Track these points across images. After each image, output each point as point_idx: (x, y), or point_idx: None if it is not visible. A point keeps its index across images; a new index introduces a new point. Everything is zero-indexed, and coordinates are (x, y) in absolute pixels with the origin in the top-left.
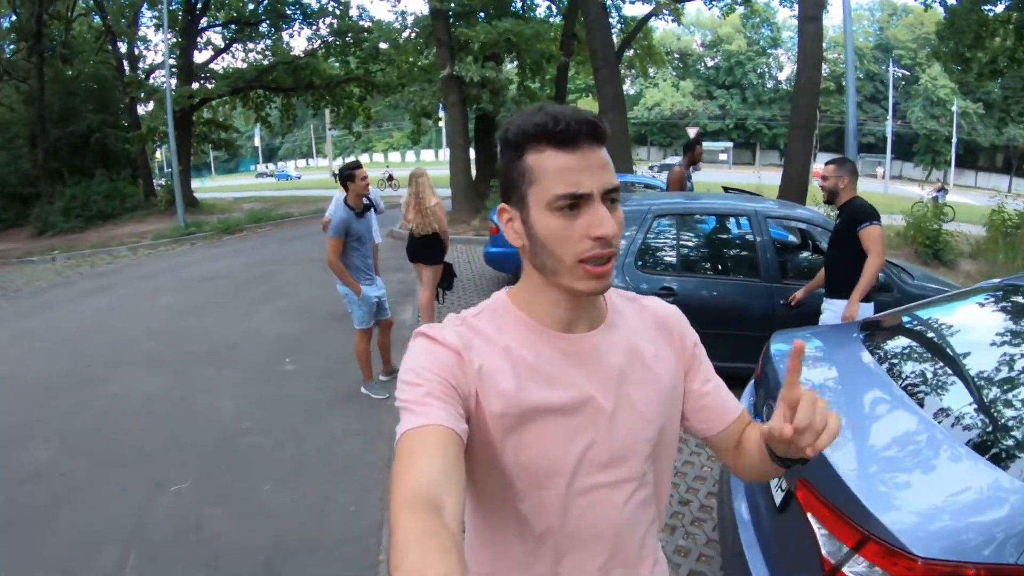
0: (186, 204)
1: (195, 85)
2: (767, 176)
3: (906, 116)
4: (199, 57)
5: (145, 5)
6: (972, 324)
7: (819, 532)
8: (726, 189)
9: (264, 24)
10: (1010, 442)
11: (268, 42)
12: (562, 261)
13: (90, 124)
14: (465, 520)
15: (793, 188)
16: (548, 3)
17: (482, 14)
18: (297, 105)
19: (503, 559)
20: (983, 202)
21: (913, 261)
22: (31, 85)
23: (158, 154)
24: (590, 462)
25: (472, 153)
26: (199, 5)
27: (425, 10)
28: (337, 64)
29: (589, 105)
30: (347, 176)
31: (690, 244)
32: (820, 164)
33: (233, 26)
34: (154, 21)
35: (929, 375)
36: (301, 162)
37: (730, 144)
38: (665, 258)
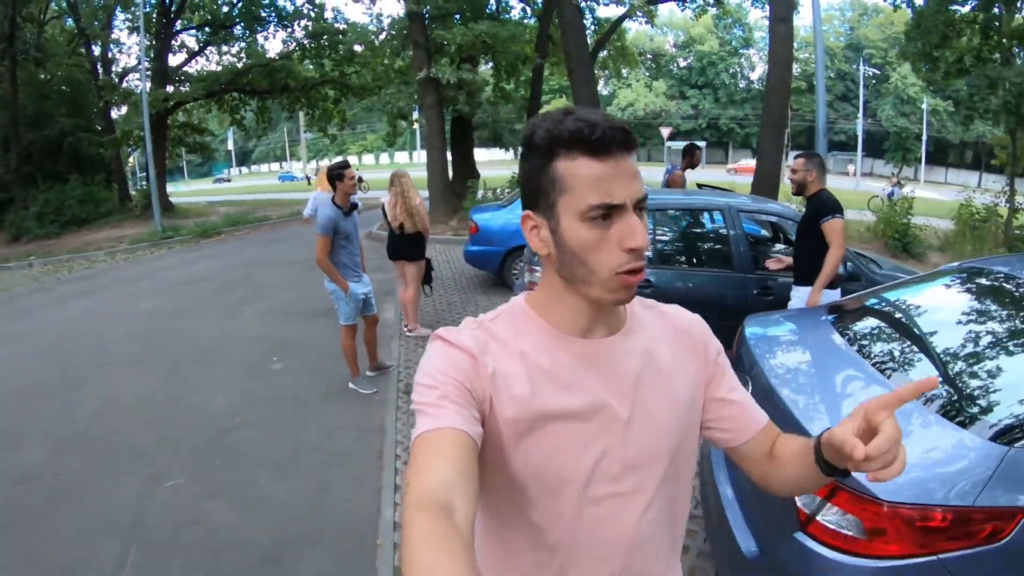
0: (162, 208)
1: (170, 88)
2: (741, 176)
3: (877, 114)
4: (173, 60)
5: (119, 8)
6: (934, 304)
7: None
8: (700, 186)
9: (238, 27)
10: (970, 406)
11: (243, 44)
12: (595, 272)
13: (63, 128)
14: (475, 526)
15: (765, 185)
16: (522, 5)
17: (458, 16)
18: (272, 108)
19: (513, 568)
20: (952, 197)
21: (883, 254)
22: (3, 89)
23: (131, 159)
24: (604, 471)
25: (448, 154)
26: (173, 8)
27: (401, 12)
28: (312, 66)
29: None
30: (336, 176)
31: (667, 238)
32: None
33: (207, 29)
34: (127, 24)
35: (894, 350)
36: (275, 165)
37: (703, 143)
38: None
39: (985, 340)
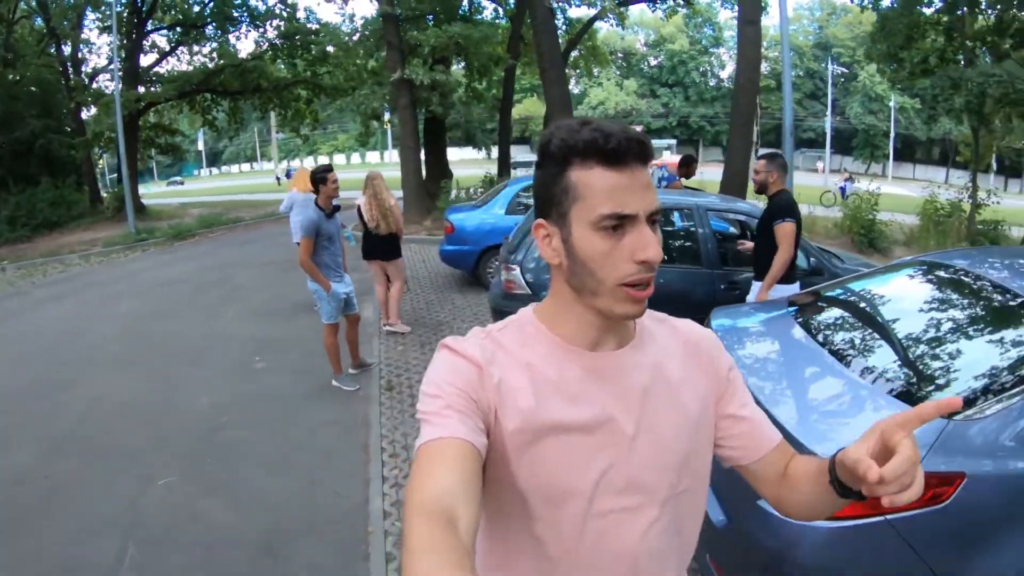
0: (134, 210)
1: (141, 89)
2: (710, 172)
3: (845, 112)
4: (144, 61)
5: (89, 8)
6: (888, 295)
7: None
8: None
9: (210, 27)
10: (915, 384)
11: (214, 45)
12: (603, 283)
13: (34, 130)
14: (477, 540)
15: (735, 184)
16: (494, 6)
17: (430, 18)
18: (244, 108)
19: None
20: (918, 193)
21: (850, 249)
22: None
23: (100, 160)
24: (608, 485)
25: (422, 154)
26: (145, 8)
27: (373, 12)
28: (284, 67)
29: (535, 106)
30: (319, 179)
31: None
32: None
33: (179, 29)
34: (97, 24)
35: (850, 338)
36: (246, 166)
37: (673, 141)
38: None
39: (933, 327)
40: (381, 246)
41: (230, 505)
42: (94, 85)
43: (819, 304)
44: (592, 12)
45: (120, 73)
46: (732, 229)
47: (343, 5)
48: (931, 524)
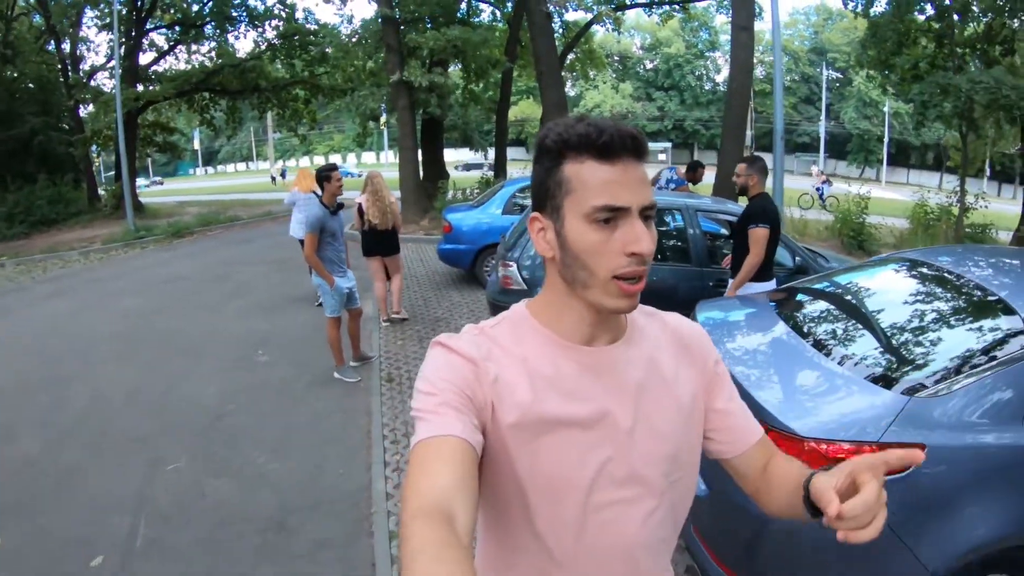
0: (133, 208)
1: (140, 87)
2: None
3: (840, 117)
4: (142, 59)
5: (88, 6)
6: (861, 288)
7: None
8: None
9: (209, 26)
10: (882, 366)
11: (213, 44)
12: (595, 275)
13: (32, 127)
14: (476, 538)
15: (727, 186)
16: (492, 9)
17: (429, 21)
18: (242, 108)
19: None
20: (910, 198)
21: (839, 251)
22: None
23: (97, 158)
24: (607, 477)
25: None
26: (145, 6)
27: (372, 13)
28: (282, 67)
29: (532, 108)
30: (324, 177)
31: None
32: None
33: (178, 28)
34: (96, 22)
35: (825, 327)
36: (241, 165)
37: (669, 144)
38: None
39: (898, 316)
40: (383, 242)
41: (237, 485)
42: (92, 83)
43: (796, 297)
44: (588, 16)
45: (120, 71)
46: (722, 230)
47: (342, 6)
48: (893, 490)
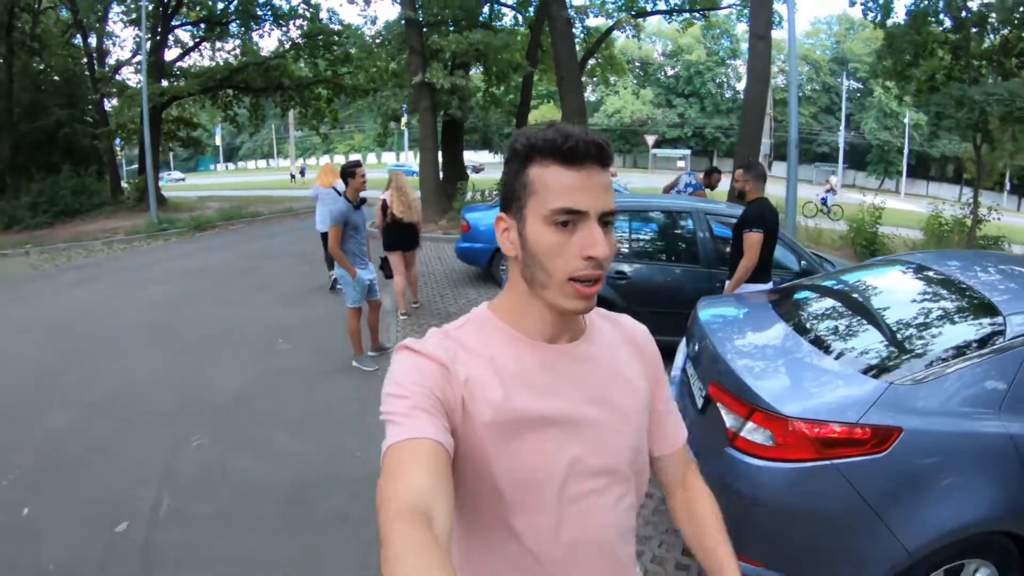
0: (156, 201)
1: (165, 83)
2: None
3: (860, 127)
4: (167, 55)
5: (115, 1)
6: (853, 288)
7: (725, 414)
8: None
9: (234, 24)
10: (864, 355)
11: (237, 42)
12: (552, 276)
13: (58, 119)
14: (453, 544)
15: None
16: (514, 13)
17: (451, 24)
18: (265, 105)
19: None
20: (927, 209)
21: (852, 260)
22: None
23: (120, 152)
24: (581, 470)
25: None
26: (171, 3)
27: (395, 15)
28: (305, 66)
29: (552, 112)
30: (349, 173)
31: (642, 236)
32: (775, 172)
33: (203, 25)
34: (121, 17)
35: (817, 322)
36: (262, 162)
37: (688, 152)
38: (619, 247)
39: (884, 311)
40: (404, 236)
41: (258, 463)
42: (118, 77)
43: (791, 295)
44: (609, 23)
45: (146, 67)
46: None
47: (365, 7)
48: (871, 470)
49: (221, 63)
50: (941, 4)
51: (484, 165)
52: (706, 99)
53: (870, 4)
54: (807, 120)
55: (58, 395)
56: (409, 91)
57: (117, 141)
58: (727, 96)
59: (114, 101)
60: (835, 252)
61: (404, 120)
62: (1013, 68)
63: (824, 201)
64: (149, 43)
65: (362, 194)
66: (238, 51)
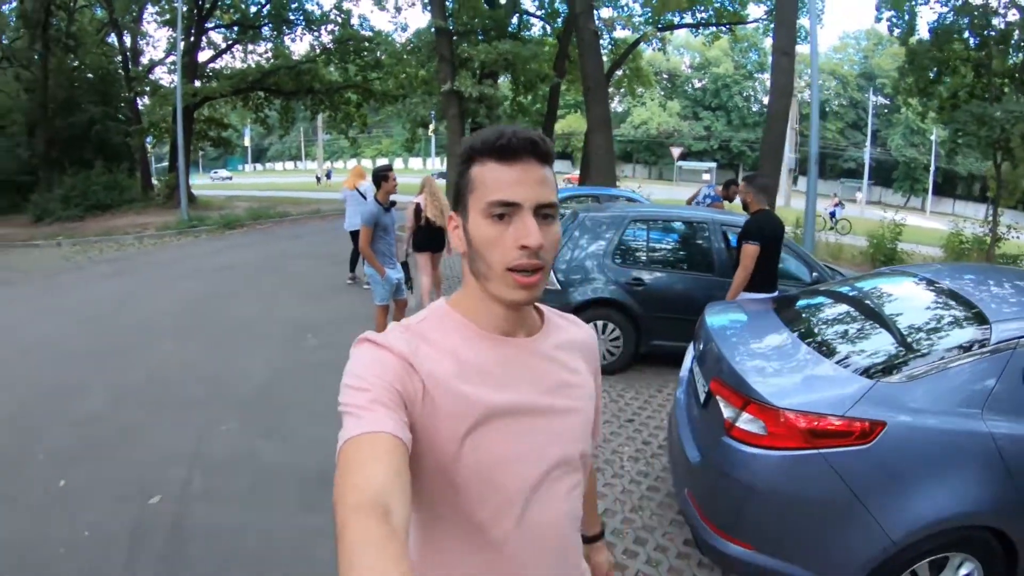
0: (187, 198)
1: (197, 83)
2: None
3: (887, 143)
4: (200, 56)
5: (149, 2)
6: (854, 295)
7: (723, 406)
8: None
9: (266, 27)
10: (854, 356)
11: (269, 45)
12: (492, 267)
13: (92, 116)
14: (415, 541)
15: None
16: (543, 24)
17: (480, 34)
18: (295, 108)
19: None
20: (951, 227)
21: None
22: (34, 73)
23: (150, 149)
24: (543, 460)
25: None
26: (205, 6)
27: (425, 23)
28: (335, 70)
29: (578, 122)
30: (381, 176)
31: (658, 245)
32: (799, 187)
33: (236, 28)
34: (155, 18)
35: (810, 323)
36: (289, 164)
37: (713, 164)
38: (637, 255)
39: (876, 316)
40: (435, 238)
41: (285, 447)
42: (150, 76)
43: (793, 300)
44: (636, 35)
45: (179, 67)
46: None
47: (396, 15)
48: (857, 460)
49: (253, 66)
50: (966, 21)
51: None
52: (733, 112)
53: (895, 19)
54: (833, 135)
55: (92, 380)
56: (438, 98)
57: (148, 139)
58: (754, 109)
59: (146, 99)
60: (854, 267)
61: (432, 126)
62: None
63: (832, 215)
64: (183, 44)
65: (392, 197)
66: (270, 54)
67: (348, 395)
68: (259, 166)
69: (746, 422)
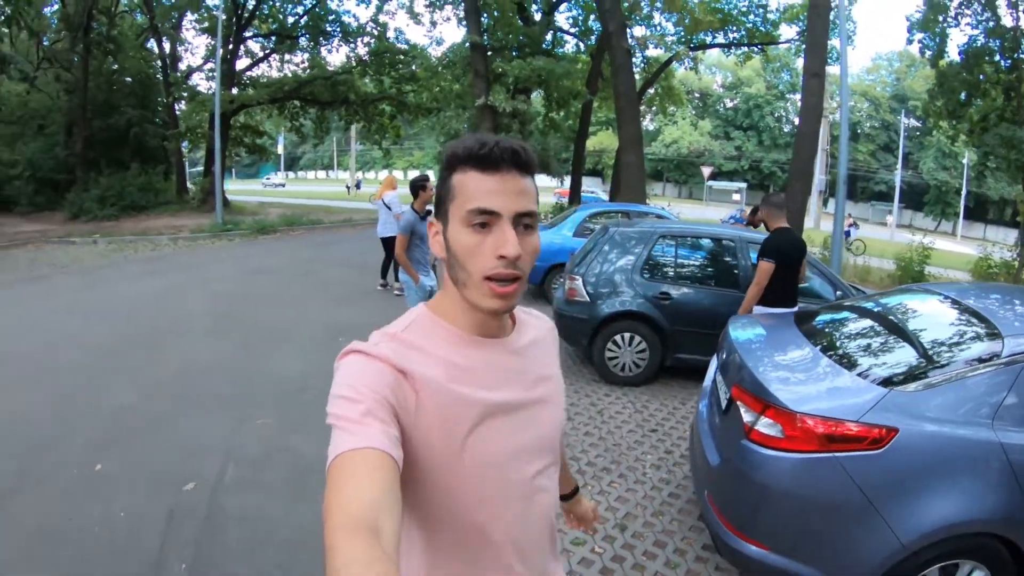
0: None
1: (235, 91)
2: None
3: (918, 166)
4: (237, 64)
5: (189, 10)
6: (867, 309)
7: (743, 411)
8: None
9: (304, 38)
10: (870, 365)
11: (306, 55)
12: (471, 275)
13: (130, 119)
14: (411, 550)
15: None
16: (576, 42)
17: (515, 50)
18: (329, 118)
19: None
20: (980, 252)
21: None
22: (74, 75)
23: (187, 153)
24: (535, 453)
25: None
26: (245, 15)
27: (460, 38)
28: (370, 82)
29: (609, 139)
30: (419, 186)
31: (685, 260)
32: (830, 209)
33: (273, 38)
34: (194, 26)
35: (829, 335)
36: (321, 173)
37: (744, 185)
38: (665, 270)
39: (891, 330)
40: None
41: (317, 442)
42: (188, 82)
43: (814, 314)
44: (669, 54)
45: (218, 74)
46: None
47: (431, 29)
48: (870, 464)
49: (290, 75)
50: (997, 44)
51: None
52: (764, 133)
53: (926, 41)
54: (865, 158)
55: (128, 373)
56: (472, 112)
57: (184, 143)
58: (785, 130)
59: (183, 105)
60: (880, 289)
61: None
62: None
63: (847, 235)
64: (221, 52)
65: (428, 206)
66: (306, 64)
67: (339, 407)
68: (291, 174)
69: (765, 426)
